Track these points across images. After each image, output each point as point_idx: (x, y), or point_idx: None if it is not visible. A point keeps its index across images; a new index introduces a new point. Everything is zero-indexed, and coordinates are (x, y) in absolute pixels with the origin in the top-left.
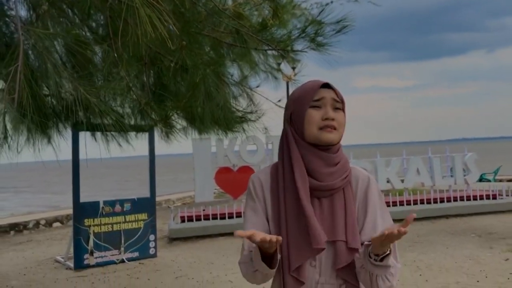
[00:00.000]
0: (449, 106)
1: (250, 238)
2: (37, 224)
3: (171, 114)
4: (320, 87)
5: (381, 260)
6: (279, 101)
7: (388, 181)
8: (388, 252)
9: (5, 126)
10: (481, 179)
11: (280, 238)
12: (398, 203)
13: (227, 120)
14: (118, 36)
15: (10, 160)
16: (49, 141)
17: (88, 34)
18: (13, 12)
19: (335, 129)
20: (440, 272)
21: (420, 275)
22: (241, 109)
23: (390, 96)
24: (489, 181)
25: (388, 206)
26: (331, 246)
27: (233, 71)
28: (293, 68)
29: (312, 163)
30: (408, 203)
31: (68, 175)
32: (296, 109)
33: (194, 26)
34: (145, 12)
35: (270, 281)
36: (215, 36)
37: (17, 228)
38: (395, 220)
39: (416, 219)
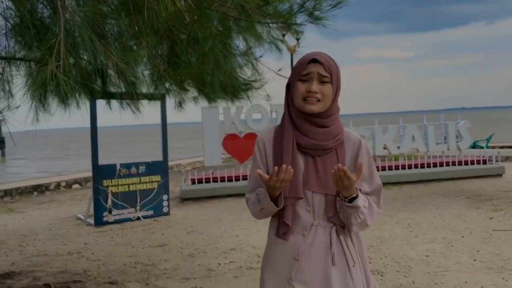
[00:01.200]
0: (448, 77)
1: (263, 177)
2: (58, 185)
3: (184, 78)
4: (309, 62)
5: (350, 201)
6: (280, 70)
7: (385, 147)
8: (355, 195)
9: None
10: (474, 146)
11: (290, 167)
12: (393, 167)
13: (233, 88)
14: (138, 11)
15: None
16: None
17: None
18: None
19: (319, 100)
20: (429, 229)
21: (410, 231)
22: (246, 77)
23: (390, 66)
24: (482, 147)
25: (384, 170)
26: (324, 197)
27: (239, 42)
28: (297, 40)
29: (303, 125)
30: (403, 167)
31: (84, 142)
32: (291, 80)
33: (204, 2)
34: None
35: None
36: (222, 11)
37: (39, 189)
38: (391, 184)
39: (410, 182)
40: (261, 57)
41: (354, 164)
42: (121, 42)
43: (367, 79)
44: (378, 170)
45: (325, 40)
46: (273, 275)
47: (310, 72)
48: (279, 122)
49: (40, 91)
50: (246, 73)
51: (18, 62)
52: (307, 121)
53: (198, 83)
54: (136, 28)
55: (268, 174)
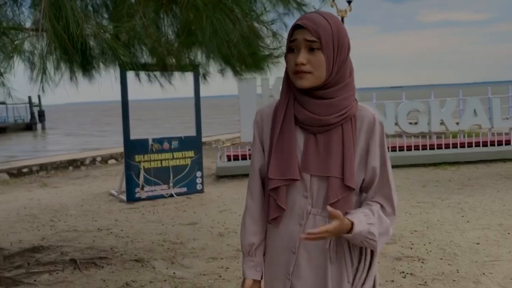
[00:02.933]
0: None
1: None
2: (93, 160)
3: (189, 50)
4: (294, 29)
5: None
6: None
7: (442, 123)
8: (351, 226)
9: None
10: None
11: None
12: (451, 146)
13: (243, 55)
14: None
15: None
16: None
17: None
18: None
19: (309, 72)
20: (485, 214)
21: (462, 216)
22: (265, 45)
23: (458, 31)
24: None
25: (440, 148)
26: (325, 180)
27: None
28: (349, 3)
29: (301, 96)
30: (462, 145)
31: (116, 116)
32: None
33: None
34: None
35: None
36: None
37: (75, 164)
38: (447, 163)
39: (470, 162)
40: (272, 23)
41: (364, 145)
42: (118, 11)
43: (429, 47)
44: (433, 148)
45: (384, 2)
46: (271, 267)
47: (295, 40)
48: None
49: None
50: (265, 40)
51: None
52: (306, 93)
53: (220, 54)
54: None
55: (263, 153)
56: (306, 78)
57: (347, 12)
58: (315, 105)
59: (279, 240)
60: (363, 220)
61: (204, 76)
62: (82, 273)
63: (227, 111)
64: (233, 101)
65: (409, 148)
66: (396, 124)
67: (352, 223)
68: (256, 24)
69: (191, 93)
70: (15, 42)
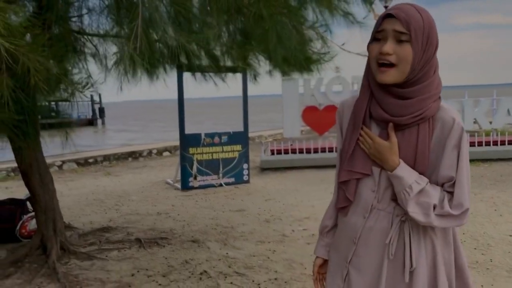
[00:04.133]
0: None
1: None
2: (150, 152)
3: (247, 55)
4: (384, 18)
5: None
6: (343, 44)
7: (475, 122)
8: (398, 163)
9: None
10: None
11: None
12: (484, 143)
13: (299, 61)
14: None
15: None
16: (157, 78)
17: None
18: None
19: (392, 65)
20: None
21: (495, 210)
22: (316, 50)
23: (492, 34)
24: None
25: (473, 146)
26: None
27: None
28: (385, 7)
29: (378, 94)
30: (495, 143)
31: (171, 113)
32: (369, 41)
33: None
34: None
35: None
36: None
37: (133, 155)
38: (480, 160)
39: (502, 159)
40: (325, 31)
41: (440, 146)
42: (196, 19)
43: (464, 49)
44: None
45: (420, 4)
46: (335, 251)
47: (384, 30)
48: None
49: (121, 67)
50: (316, 45)
51: (111, 39)
52: (383, 89)
53: (270, 57)
54: (208, 8)
55: (343, 141)
56: (389, 73)
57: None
58: (390, 104)
59: (343, 228)
60: (414, 175)
61: (255, 77)
62: (146, 251)
63: (267, 109)
64: (273, 100)
65: None
66: None
67: (399, 164)
68: (307, 31)
69: (237, 92)
70: (114, 53)
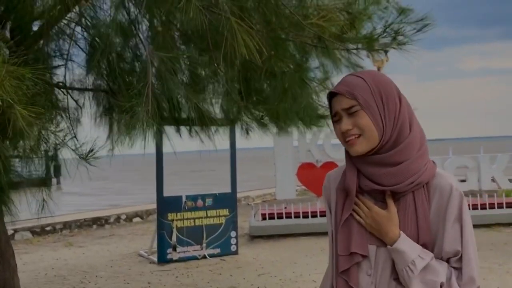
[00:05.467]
0: None
1: None
2: (118, 218)
3: (264, 114)
4: (330, 99)
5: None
6: None
7: (493, 180)
8: (398, 235)
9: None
10: None
11: None
12: (504, 205)
13: (310, 117)
14: (216, 47)
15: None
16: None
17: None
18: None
19: (359, 136)
20: None
21: None
22: (324, 104)
23: (502, 80)
24: None
25: (493, 208)
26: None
27: (316, 69)
28: (385, 52)
29: (362, 167)
30: None
31: (143, 170)
32: None
33: (280, 32)
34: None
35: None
36: (299, 40)
37: (99, 222)
38: (501, 225)
39: None
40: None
41: (440, 218)
42: (199, 79)
43: (471, 96)
44: (485, 208)
45: (423, 50)
46: None
47: (337, 112)
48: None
49: (129, 135)
50: (323, 100)
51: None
52: (365, 161)
53: (273, 116)
54: (216, 65)
55: (333, 219)
56: (358, 143)
57: (384, 62)
58: (377, 175)
59: None
60: (417, 248)
61: (247, 131)
62: None
63: (255, 164)
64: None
65: None
66: None
67: (399, 235)
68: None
69: (223, 145)
70: (129, 119)
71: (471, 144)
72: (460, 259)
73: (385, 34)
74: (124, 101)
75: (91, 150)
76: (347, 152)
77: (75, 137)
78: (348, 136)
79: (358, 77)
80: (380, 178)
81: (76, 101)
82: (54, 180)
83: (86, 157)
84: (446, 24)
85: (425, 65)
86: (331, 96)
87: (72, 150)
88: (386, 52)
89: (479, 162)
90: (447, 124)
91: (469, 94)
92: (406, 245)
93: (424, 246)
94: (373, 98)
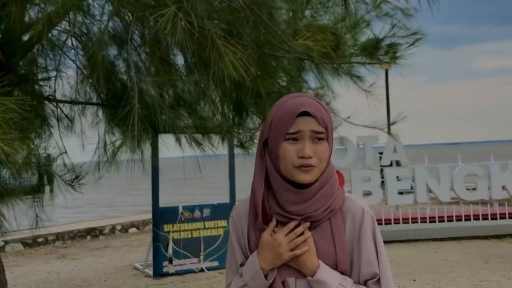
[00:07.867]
0: None
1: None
2: (113, 229)
3: (247, 139)
4: (298, 116)
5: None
6: (348, 117)
7: (503, 188)
8: (318, 266)
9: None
10: None
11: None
12: None
13: None
14: (204, 66)
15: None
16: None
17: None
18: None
19: (313, 166)
20: None
21: None
22: None
23: None
24: None
25: (504, 218)
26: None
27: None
28: (394, 53)
29: (284, 196)
30: None
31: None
32: (271, 137)
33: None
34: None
35: None
36: (288, 57)
37: (93, 233)
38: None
39: None
40: (328, 104)
41: (355, 242)
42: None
43: (485, 97)
44: (495, 218)
45: (434, 49)
46: None
47: (300, 131)
48: (367, 156)
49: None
50: None
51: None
52: (290, 191)
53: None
54: (202, 86)
55: (247, 259)
56: (311, 172)
57: (391, 64)
58: (305, 203)
59: None
60: (337, 276)
61: (242, 144)
62: None
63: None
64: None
65: (467, 218)
66: (452, 189)
67: (319, 266)
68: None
69: (221, 150)
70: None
71: (482, 149)
72: (378, 282)
73: (379, 49)
74: (115, 116)
75: (76, 177)
76: (260, 173)
77: (65, 152)
78: (304, 163)
79: (322, 106)
80: (300, 207)
81: (66, 115)
82: (47, 188)
83: (72, 184)
84: (456, 22)
85: (436, 65)
86: (297, 115)
87: (59, 176)
88: (394, 53)
89: (490, 170)
90: (458, 127)
91: (482, 96)
92: (326, 275)
93: (343, 272)
94: (331, 131)
